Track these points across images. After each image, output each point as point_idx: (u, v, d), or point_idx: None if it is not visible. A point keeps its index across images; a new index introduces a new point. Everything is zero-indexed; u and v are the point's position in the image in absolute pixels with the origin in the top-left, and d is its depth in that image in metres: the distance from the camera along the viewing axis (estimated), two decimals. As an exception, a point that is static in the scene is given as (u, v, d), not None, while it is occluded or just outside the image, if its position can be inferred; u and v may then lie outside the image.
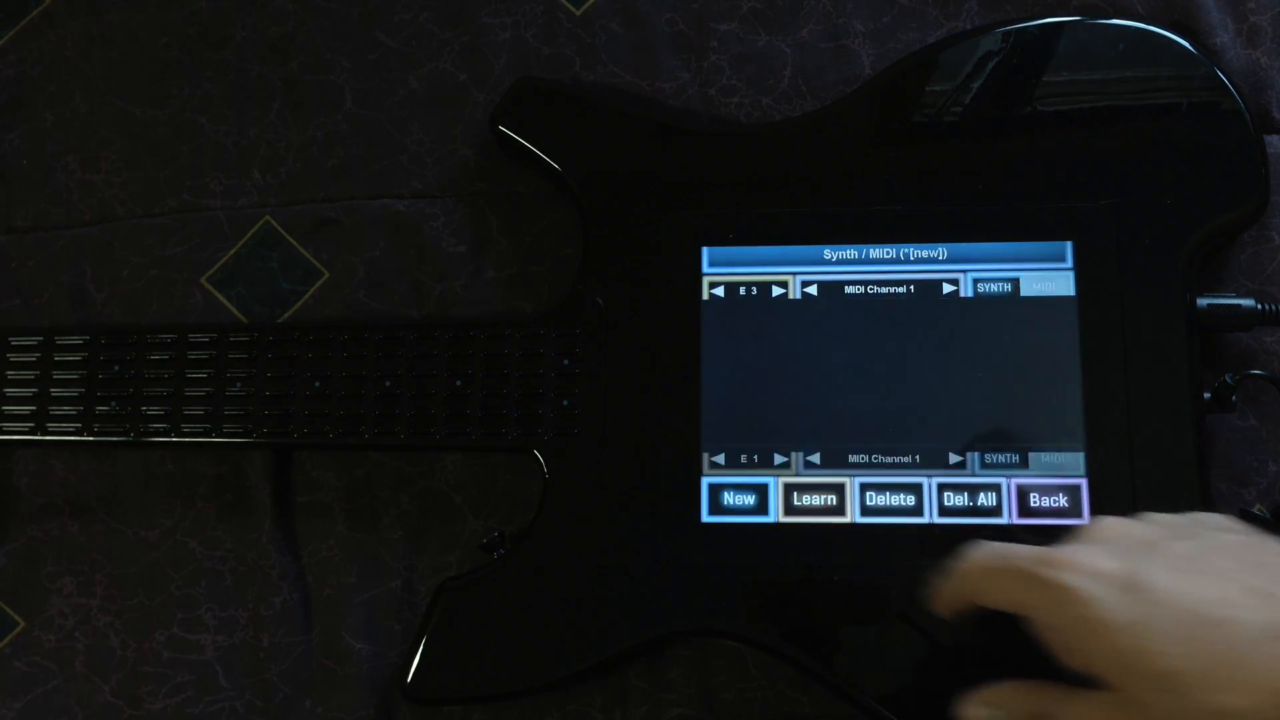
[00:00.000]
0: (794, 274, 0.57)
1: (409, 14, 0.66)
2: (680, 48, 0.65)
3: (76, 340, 0.60)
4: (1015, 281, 0.56)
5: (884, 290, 0.57)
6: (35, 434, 0.60)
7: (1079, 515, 0.53)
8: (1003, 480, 0.54)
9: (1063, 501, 0.54)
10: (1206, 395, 0.55)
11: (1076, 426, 0.54)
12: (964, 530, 0.54)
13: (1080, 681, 0.42)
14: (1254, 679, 0.38)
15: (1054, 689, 0.43)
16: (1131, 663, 0.40)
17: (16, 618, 0.62)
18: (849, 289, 0.57)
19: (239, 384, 0.59)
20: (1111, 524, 0.44)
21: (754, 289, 0.57)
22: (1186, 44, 0.58)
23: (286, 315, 0.64)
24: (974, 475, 0.54)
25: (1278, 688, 0.38)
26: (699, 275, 0.58)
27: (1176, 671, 0.39)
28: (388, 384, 0.58)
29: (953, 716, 0.47)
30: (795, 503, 0.55)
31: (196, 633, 0.61)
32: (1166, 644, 0.39)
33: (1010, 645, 0.44)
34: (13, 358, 0.61)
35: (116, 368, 0.60)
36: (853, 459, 0.55)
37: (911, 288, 0.57)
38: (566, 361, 0.57)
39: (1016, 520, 0.54)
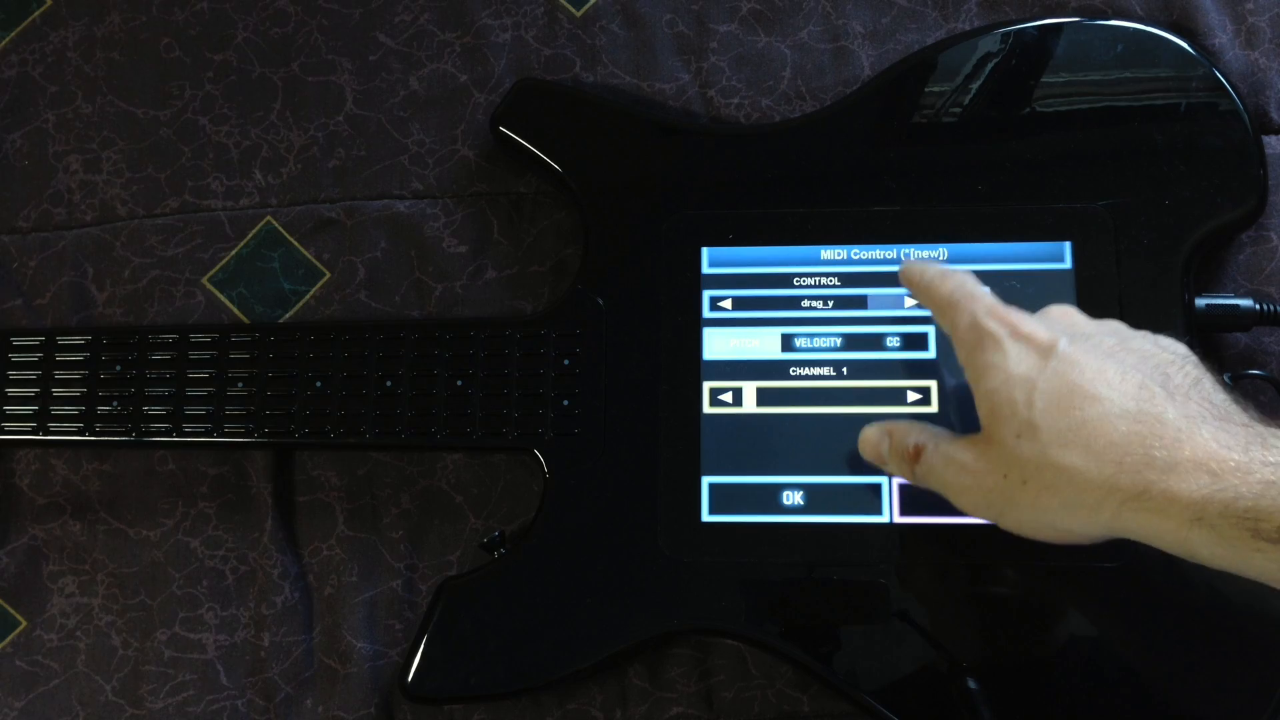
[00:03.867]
0: (793, 274, 0.58)
1: (410, 15, 0.66)
2: (680, 49, 0.65)
3: (78, 340, 0.61)
4: (1015, 281, 0.56)
5: (883, 290, 0.57)
6: (37, 434, 0.60)
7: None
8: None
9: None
10: (1205, 395, 0.55)
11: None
12: (962, 529, 0.54)
13: None
14: (1100, 448, 0.42)
15: (935, 429, 0.49)
16: (1009, 410, 0.45)
17: (18, 617, 0.62)
18: (847, 289, 0.57)
19: (240, 384, 0.59)
20: (1066, 309, 0.49)
21: (754, 289, 0.58)
22: (1185, 45, 0.58)
23: (288, 315, 0.64)
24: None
25: (1116, 459, 0.42)
26: (699, 275, 0.58)
27: (1041, 425, 0.44)
28: (389, 384, 0.58)
29: (946, 702, 0.51)
30: (796, 501, 0.55)
31: (198, 632, 0.61)
32: (1043, 400, 0.44)
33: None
34: (14, 358, 0.61)
35: (118, 368, 0.60)
36: (854, 461, 0.55)
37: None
38: (567, 361, 0.58)
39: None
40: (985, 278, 0.56)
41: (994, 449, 0.46)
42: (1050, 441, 0.43)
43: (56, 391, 0.60)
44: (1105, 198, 0.56)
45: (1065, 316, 0.48)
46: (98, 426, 0.60)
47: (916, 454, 0.49)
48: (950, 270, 0.50)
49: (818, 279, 0.57)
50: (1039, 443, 0.44)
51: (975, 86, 0.59)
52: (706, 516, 0.55)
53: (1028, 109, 0.58)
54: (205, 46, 0.67)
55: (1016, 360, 0.45)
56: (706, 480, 0.56)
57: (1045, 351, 0.45)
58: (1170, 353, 0.46)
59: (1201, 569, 0.42)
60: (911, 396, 0.56)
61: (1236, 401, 0.44)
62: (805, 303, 0.57)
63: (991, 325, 0.47)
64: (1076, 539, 0.45)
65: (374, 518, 0.62)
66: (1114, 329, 0.47)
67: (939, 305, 0.50)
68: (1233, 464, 0.40)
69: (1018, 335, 0.46)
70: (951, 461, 0.47)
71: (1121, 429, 0.42)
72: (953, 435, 0.49)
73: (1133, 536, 0.43)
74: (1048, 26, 0.59)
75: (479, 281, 0.63)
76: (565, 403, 0.57)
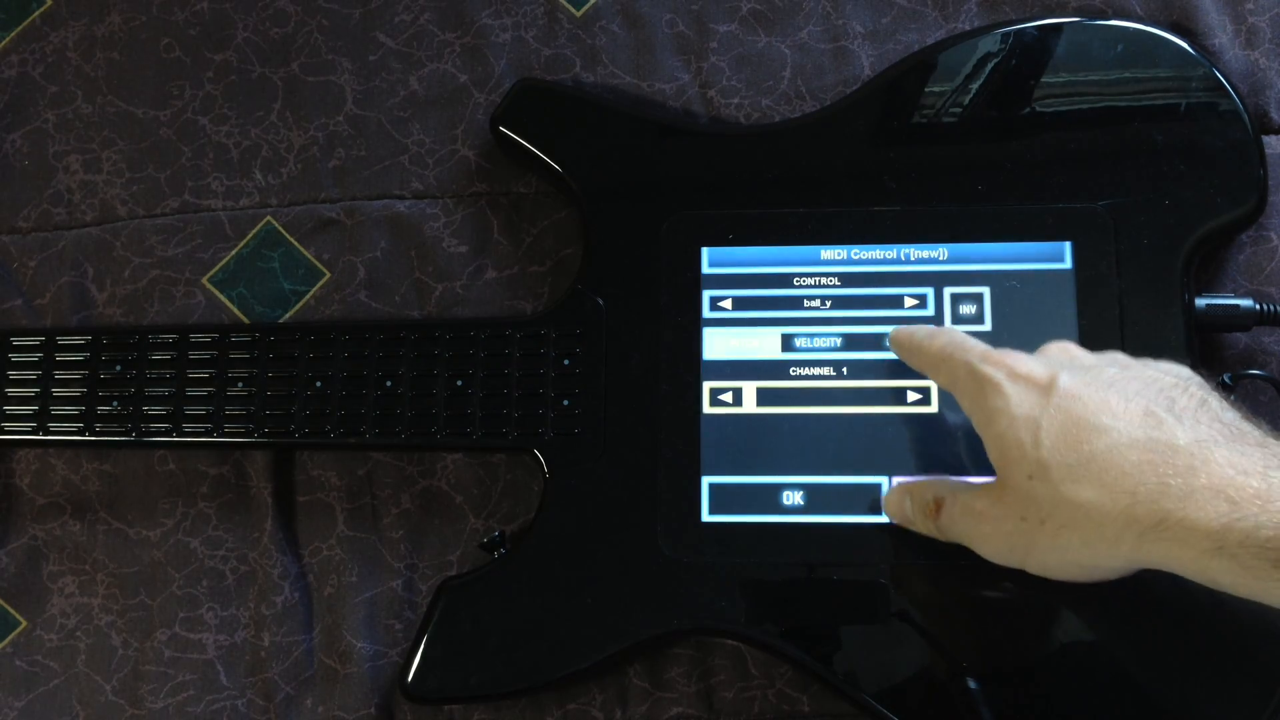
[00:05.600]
0: (793, 274, 0.58)
1: (410, 15, 0.66)
2: (680, 49, 0.65)
3: (78, 340, 0.61)
4: (1015, 281, 0.56)
5: (884, 290, 0.57)
6: (37, 434, 0.60)
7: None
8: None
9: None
10: (1205, 395, 0.55)
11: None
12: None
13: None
14: (1113, 479, 0.42)
15: (953, 481, 0.50)
16: (1017, 451, 0.45)
17: (18, 617, 0.62)
18: (847, 289, 0.57)
19: (240, 384, 0.59)
20: (1065, 345, 0.49)
21: (754, 289, 0.58)
22: (1185, 45, 0.58)
23: (288, 315, 0.64)
24: (973, 479, 0.54)
25: (1130, 489, 0.42)
26: (699, 275, 0.58)
27: (1050, 463, 0.43)
28: (389, 384, 0.58)
29: (947, 702, 0.51)
30: (796, 501, 0.55)
31: (198, 632, 0.61)
32: (1049, 438, 0.44)
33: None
34: (14, 358, 0.61)
35: (118, 368, 0.60)
36: (854, 460, 0.55)
37: (911, 288, 0.57)
38: (567, 361, 0.58)
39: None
40: (985, 278, 0.57)
41: (1008, 493, 0.45)
42: (1062, 478, 0.43)
43: (56, 391, 0.60)
44: (1105, 198, 0.56)
45: (1063, 352, 0.48)
46: (98, 426, 0.60)
47: (937, 508, 0.49)
48: (938, 328, 0.51)
49: (818, 279, 0.57)
50: (1051, 481, 0.43)
51: (975, 86, 0.58)
52: (706, 516, 0.55)
53: (1028, 109, 0.58)
54: (205, 46, 0.67)
55: (1018, 401, 0.45)
56: (706, 480, 0.56)
57: (1046, 389, 0.45)
58: (1173, 376, 0.45)
59: None
60: (911, 396, 0.56)
61: (1247, 418, 0.44)
62: (805, 303, 0.57)
63: (988, 370, 0.46)
64: (1104, 574, 0.45)
65: (374, 518, 0.62)
66: (1114, 359, 0.47)
67: (933, 363, 0.50)
68: (1251, 490, 0.40)
69: (1016, 376, 0.46)
70: (970, 511, 0.47)
71: (1132, 458, 0.42)
72: (971, 485, 0.49)
73: (1156, 566, 0.42)
74: (1048, 26, 0.59)
75: (479, 281, 0.63)
76: (565, 403, 0.57)
